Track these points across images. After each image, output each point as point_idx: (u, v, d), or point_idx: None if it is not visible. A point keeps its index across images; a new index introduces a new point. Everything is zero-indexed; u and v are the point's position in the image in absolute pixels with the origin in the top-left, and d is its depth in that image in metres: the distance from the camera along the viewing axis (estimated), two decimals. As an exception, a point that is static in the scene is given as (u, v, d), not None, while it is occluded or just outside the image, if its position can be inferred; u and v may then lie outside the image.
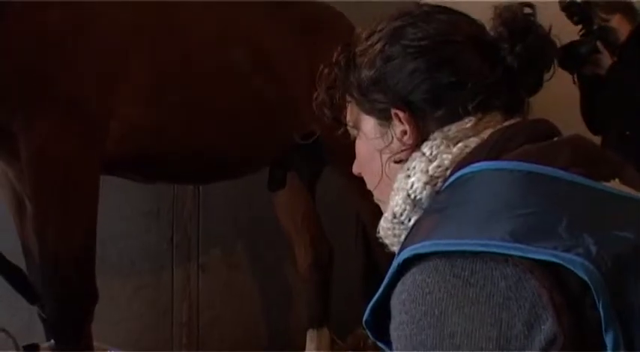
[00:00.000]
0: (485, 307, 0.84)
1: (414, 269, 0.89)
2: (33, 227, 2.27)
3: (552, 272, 0.82)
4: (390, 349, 0.96)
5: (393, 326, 0.92)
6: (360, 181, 1.18)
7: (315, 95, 1.17)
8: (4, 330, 2.16)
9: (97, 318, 2.34)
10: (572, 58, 2.87)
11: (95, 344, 2.28)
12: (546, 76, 1.07)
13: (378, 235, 1.10)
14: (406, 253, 0.90)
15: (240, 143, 2.61)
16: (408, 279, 0.89)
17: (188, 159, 2.54)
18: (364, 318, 0.98)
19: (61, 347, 2.20)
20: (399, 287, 0.90)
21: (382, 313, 0.94)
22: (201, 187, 3.56)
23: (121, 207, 3.38)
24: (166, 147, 2.45)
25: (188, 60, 2.46)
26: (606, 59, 2.96)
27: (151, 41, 2.38)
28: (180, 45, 2.44)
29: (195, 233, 3.58)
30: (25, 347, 2.18)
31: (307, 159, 3.05)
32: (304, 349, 3.23)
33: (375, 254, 3.07)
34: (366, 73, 1.07)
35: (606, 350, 0.80)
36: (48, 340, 2.24)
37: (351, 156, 1.17)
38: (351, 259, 3.57)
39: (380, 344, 1.00)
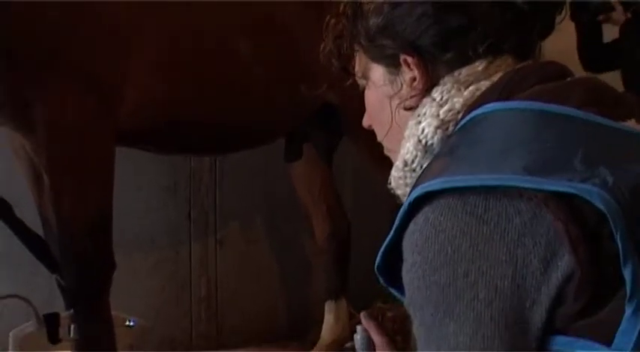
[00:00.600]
0: (499, 244, 0.82)
1: (425, 209, 0.88)
2: (49, 197, 2.28)
3: (568, 205, 0.81)
4: (403, 295, 0.94)
5: (405, 268, 0.90)
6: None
7: (322, 46, 1.16)
8: (25, 300, 2.17)
9: (116, 292, 2.36)
10: (582, 10, 2.86)
11: (113, 313, 2.30)
12: (558, 19, 1.05)
13: (389, 186, 1.09)
14: (417, 191, 0.88)
15: (255, 113, 2.60)
16: (419, 219, 0.88)
17: (203, 130, 2.55)
18: (376, 264, 0.97)
19: (80, 316, 2.22)
20: (411, 227, 0.89)
21: (394, 257, 0.93)
22: (217, 161, 3.56)
23: (139, 182, 3.39)
24: (180, 117, 2.45)
25: (201, 29, 2.45)
26: (619, 16, 2.95)
27: (164, 11, 2.37)
28: (193, 14, 2.43)
29: (213, 208, 3.58)
30: (46, 317, 2.19)
31: (323, 130, 3.04)
32: (322, 321, 3.23)
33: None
34: (373, 21, 1.05)
35: (624, 283, 0.79)
36: (68, 310, 2.25)
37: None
38: (370, 232, 3.57)
39: (392, 291, 0.99)
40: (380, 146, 1.15)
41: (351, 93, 1.47)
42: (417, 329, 0.91)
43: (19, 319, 2.26)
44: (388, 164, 1.14)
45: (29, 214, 2.51)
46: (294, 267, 3.68)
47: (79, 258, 2.19)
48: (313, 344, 3.25)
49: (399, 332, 1.46)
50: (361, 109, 1.16)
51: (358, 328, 1.42)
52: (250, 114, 2.60)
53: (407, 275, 0.90)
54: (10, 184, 2.48)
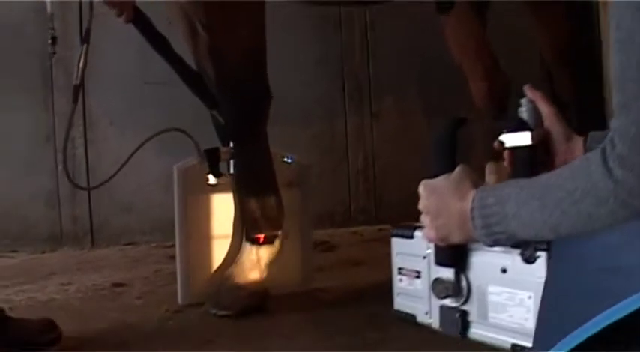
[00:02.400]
0: None
1: None
2: (205, 40, 2.28)
3: None
4: None
5: None
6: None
7: None
8: (186, 133, 2.20)
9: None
10: None
11: (272, 149, 2.30)
12: None
13: None
14: None
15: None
16: None
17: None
18: None
19: (239, 150, 2.23)
20: None
21: None
22: (369, 34, 3.51)
23: (291, 56, 3.40)
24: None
25: None
26: None
27: None
28: None
29: (366, 81, 3.55)
30: (207, 151, 2.22)
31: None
32: (484, 187, 3.12)
33: (556, 84, 2.92)
34: None
35: None
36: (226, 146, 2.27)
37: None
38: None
39: None
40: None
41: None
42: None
43: (182, 153, 2.31)
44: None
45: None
46: (452, 138, 3.59)
47: (237, 89, 2.20)
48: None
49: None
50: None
51: (523, 101, 1.31)
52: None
53: None
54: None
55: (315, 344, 1.85)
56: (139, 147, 2.20)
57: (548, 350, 0.78)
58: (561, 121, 1.28)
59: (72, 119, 2.05)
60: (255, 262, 2.23)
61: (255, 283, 2.20)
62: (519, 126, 1.26)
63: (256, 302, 2.17)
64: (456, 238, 0.97)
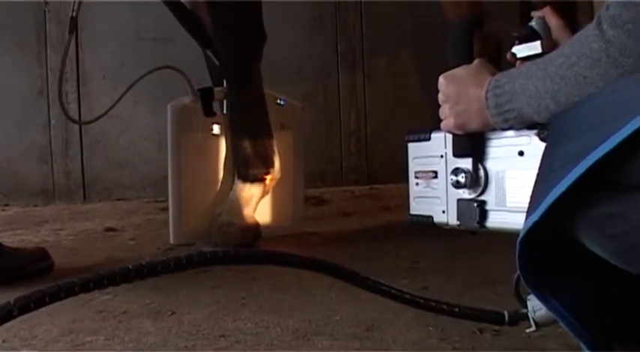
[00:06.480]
0: None
1: None
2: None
3: None
4: None
5: None
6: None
7: None
8: (180, 71, 2.21)
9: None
10: None
11: (266, 90, 2.30)
12: None
13: None
14: None
15: None
16: None
17: None
18: None
19: (233, 89, 2.24)
20: None
21: None
22: (363, -4, 3.53)
23: (287, 15, 3.41)
24: None
25: None
26: None
27: None
28: None
29: (360, 41, 3.56)
30: (200, 90, 2.23)
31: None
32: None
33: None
34: None
35: None
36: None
37: None
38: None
39: None
40: None
41: None
42: None
43: (176, 92, 2.32)
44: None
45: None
46: (444, 99, 3.61)
47: (234, 27, 2.21)
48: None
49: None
50: None
51: (533, 17, 1.33)
52: None
53: None
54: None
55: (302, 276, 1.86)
56: (135, 82, 2.23)
57: (527, 219, 0.79)
58: (569, 32, 1.30)
59: (67, 49, 2.07)
60: (247, 200, 2.24)
61: (247, 220, 2.21)
62: (530, 36, 1.29)
63: (248, 239, 2.18)
64: (474, 124, 0.97)
